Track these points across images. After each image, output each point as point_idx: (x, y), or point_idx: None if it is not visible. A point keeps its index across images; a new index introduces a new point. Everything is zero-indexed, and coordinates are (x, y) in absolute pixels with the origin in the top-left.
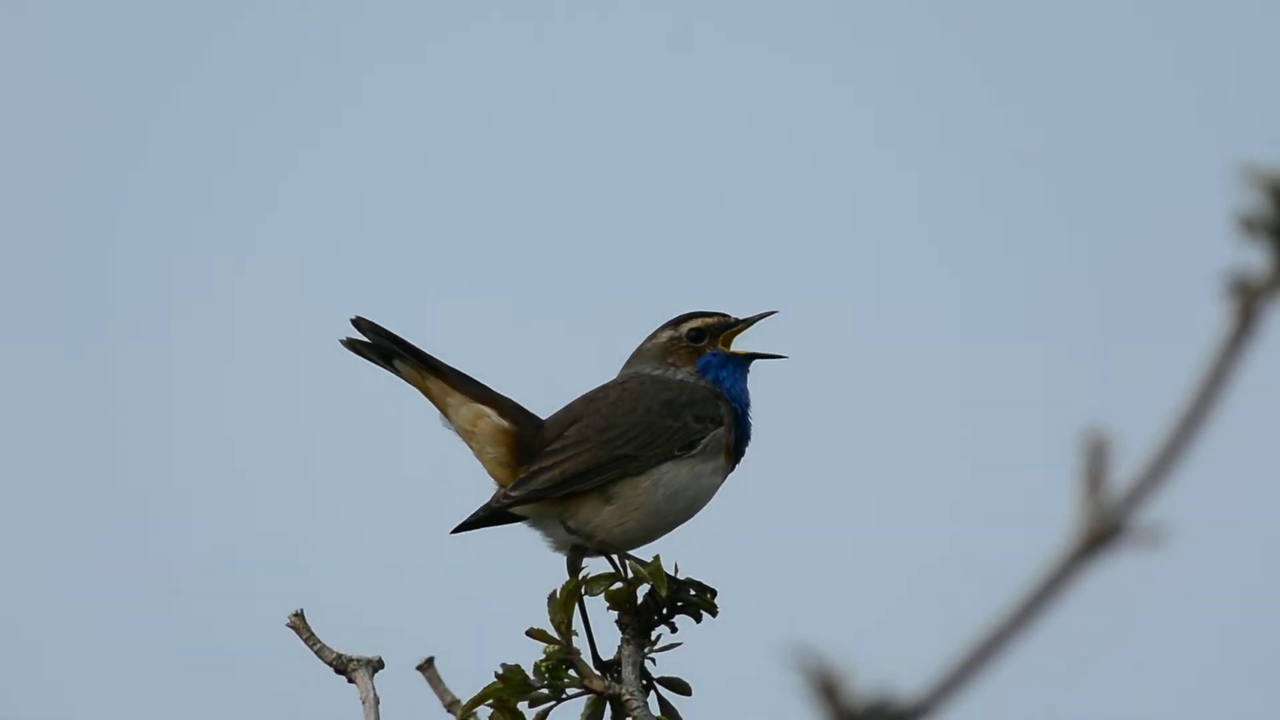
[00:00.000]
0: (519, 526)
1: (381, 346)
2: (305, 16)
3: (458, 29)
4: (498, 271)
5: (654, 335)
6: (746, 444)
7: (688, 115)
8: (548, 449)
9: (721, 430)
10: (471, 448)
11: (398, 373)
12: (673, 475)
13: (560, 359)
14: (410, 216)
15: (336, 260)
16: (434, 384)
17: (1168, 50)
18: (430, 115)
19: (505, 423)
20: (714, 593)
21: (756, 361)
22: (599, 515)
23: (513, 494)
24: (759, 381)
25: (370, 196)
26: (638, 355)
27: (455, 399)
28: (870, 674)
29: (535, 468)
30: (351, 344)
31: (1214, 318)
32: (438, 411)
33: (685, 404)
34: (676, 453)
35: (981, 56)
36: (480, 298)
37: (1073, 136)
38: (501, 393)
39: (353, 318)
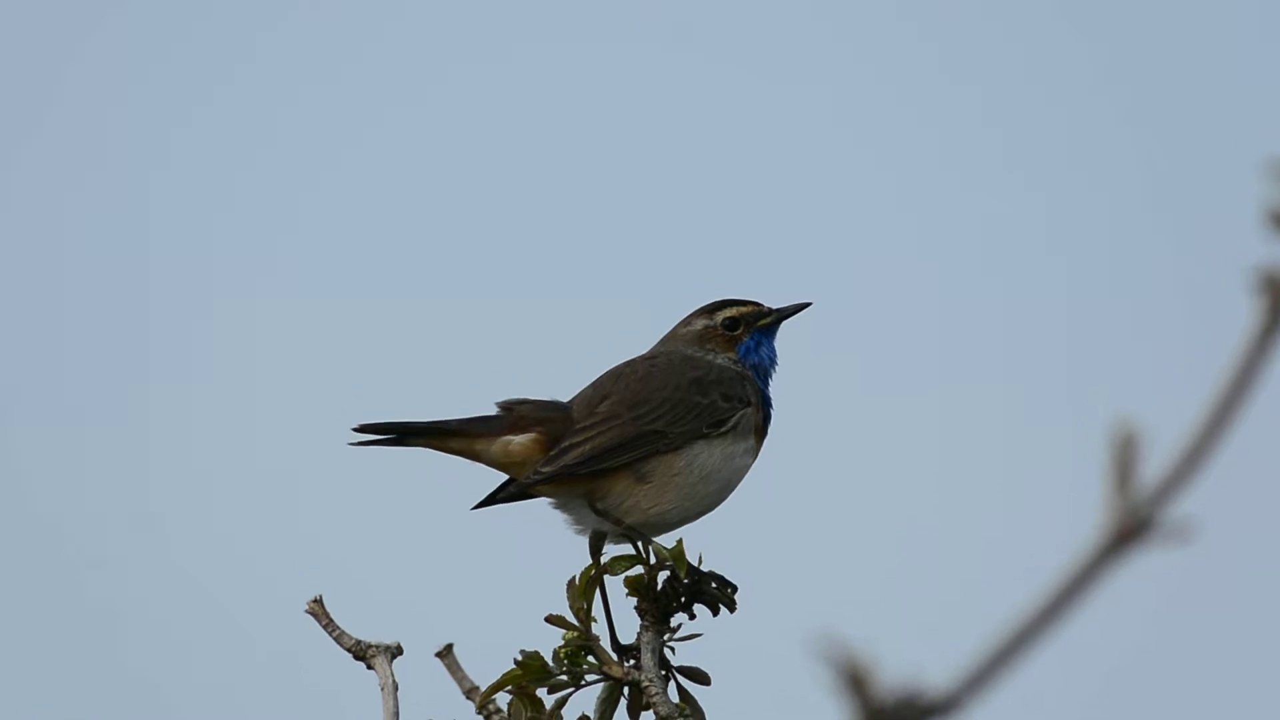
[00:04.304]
0: (541, 510)
1: (390, 437)
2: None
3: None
4: (521, 256)
5: (688, 321)
6: (769, 423)
7: (733, 99)
8: (578, 426)
9: (749, 410)
10: (511, 472)
11: (416, 445)
12: (706, 456)
13: (592, 344)
14: (405, 212)
15: (355, 239)
16: (456, 443)
17: (1191, 51)
18: (431, 110)
19: (534, 434)
20: (734, 589)
21: (786, 351)
22: (632, 496)
23: (544, 470)
24: (789, 379)
25: (378, 177)
26: (671, 338)
27: (481, 444)
28: (899, 668)
29: (566, 444)
30: (361, 443)
31: (1244, 312)
32: (468, 460)
33: (714, 382)
34: (706, 430)
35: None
36: (513, 281)
37: (1102, 129)
38: (515, 401)
39: (354, 427)
